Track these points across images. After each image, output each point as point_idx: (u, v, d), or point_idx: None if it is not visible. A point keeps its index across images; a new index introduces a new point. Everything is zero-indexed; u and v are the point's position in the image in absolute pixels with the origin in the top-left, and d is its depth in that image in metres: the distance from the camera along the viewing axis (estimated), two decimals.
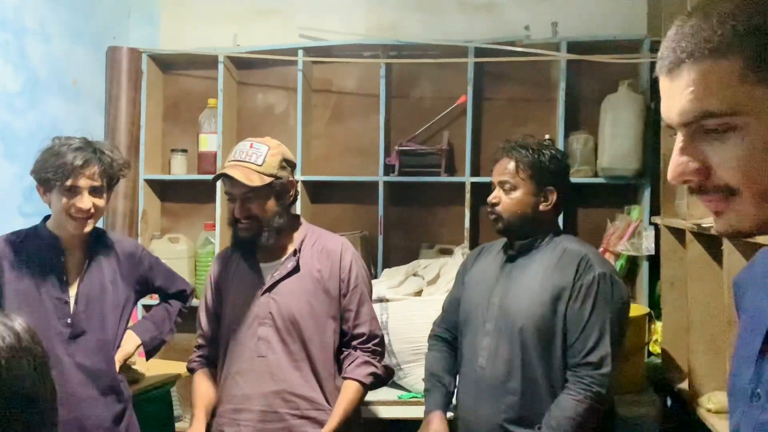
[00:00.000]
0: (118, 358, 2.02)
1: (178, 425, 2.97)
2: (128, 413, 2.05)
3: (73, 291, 1.93)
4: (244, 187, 1.82)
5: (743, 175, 0.70)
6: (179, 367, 2.86)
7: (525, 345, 1.79)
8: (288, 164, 1.92)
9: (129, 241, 2.19)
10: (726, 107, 0.69)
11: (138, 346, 2.10)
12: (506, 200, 1.90)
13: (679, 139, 0.75)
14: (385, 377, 1.99)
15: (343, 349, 1.95)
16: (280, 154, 1.89)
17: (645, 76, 3.10)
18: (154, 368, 2.74)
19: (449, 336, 2.07)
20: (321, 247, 1.94)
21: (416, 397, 2.52)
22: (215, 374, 1.95)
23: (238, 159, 1.86)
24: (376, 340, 1.96)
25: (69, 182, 1.84)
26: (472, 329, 1.92)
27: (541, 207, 1.91)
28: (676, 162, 0.74)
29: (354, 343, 1.93)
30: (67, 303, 1.91)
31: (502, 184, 1.92)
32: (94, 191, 1.89)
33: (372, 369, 1.90)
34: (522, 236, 1.93)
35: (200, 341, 2.03)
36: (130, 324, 2.18)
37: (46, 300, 1.89)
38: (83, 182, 1.85)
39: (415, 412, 2.20)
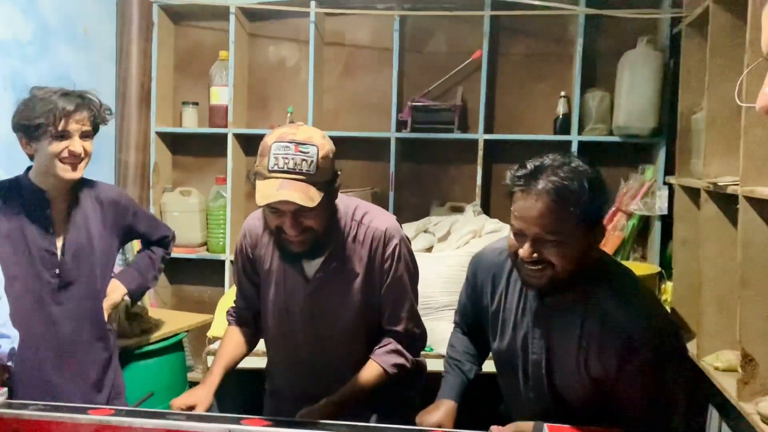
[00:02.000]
0: (106, 307, 2.05)
1: (189, 375, 3.03)
2: (114, 362, 2.08)
3: (59, 242, 1.93)
4: (300, 205, 1.51)
5: None
6: (191, 318, 2.91)
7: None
8: (334, 157, 1.61)
9: (111, 188, 2.15)
10: None
11: (124, 295, 2.12)
12: (553, 258, 1.41)
13: None
14: (415, 372, 1.80)
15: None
16: (330, 151, 1.57)
17: (665, 32, 3.03)
18: (166, 318, 2.78)
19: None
20: (363, 236, 1.69)
21: (425, 351, 2.53)
22: (247, 333, 1.84)
23: (284, 169, 1.50)
24: (411, 339, 1.76)
25: (60, 126, 1.82)
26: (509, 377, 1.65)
27: (593, 252, 1.47)
28: (763, 94, 0.75)
29: (389, 335, 1.75)
30: (54, 254, 1.92)
31: (540, 240, 1.40)
32: (84, 135, 1.88)
33: (400, 360, 1.72)
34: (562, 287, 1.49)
35: (239, 303, 1.88)
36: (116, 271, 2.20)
37: (33, 251, 1.90)
38: (74, 126, 1.84)
39: (432, 365, 2.14)
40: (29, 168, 1.96)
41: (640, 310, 1.45)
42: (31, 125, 1.83)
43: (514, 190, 1.43)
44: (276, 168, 1.50)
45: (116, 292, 2.09)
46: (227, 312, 1.89)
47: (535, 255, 1.41)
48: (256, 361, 1.99)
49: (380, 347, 1.72)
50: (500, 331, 1.64)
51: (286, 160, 1.50)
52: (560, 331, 1.50)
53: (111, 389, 2.04)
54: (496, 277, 1.66)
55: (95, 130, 1.94)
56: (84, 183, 2.01)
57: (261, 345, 1.88)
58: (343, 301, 1.70)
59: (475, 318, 1.76)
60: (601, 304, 1.45)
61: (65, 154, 1.85)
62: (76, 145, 1.85)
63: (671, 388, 1.48)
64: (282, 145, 1.51)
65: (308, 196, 1.49)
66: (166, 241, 2.25)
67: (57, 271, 1.92)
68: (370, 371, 1.69)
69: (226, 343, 1.81)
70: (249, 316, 1.84)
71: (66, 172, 1.88)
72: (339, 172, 1.62)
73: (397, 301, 1.72)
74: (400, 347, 1.72)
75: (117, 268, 2.22)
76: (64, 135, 1.84)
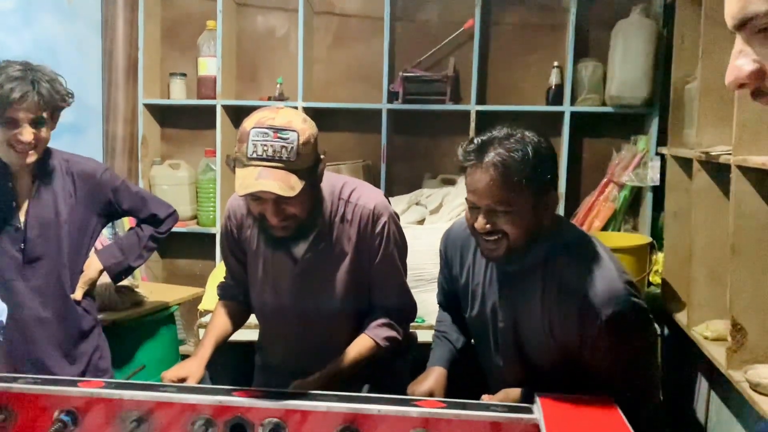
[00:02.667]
0: (81, 283, 2.02)
1: (181, 348, 3.03)
2: (93, 337, 2.05)
3: (23, 216, 1.90)
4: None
5: None
6: (182, 291, 2.90)
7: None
8: (317, 140, 1.55)
9: (89, 162, 2.07)
10: None
11: (101, 272, 2.08)
12: (506, 228, 1.46)
13: (736, 44, 0.73)
14: (405, 345, 1.80)
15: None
16: (311, 135, 1.51)
17: (658, 0, 3.00)
18: (158, 292, 2.77)
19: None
20: (351, 215, 1.66)
21: (417, 323, 2.54)
22: (237, 307, 1.83)
23: (263, 157, 1.46)
24: (402, 313, 1.76)
25: (7, 115, 1.77)
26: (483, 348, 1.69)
27: (545, 220, 1.50)
28: (731, 68, 0.73)
29: (379, 310, 1.74)
30: (18, 229, 1.89)
31: (492, 211, 1.45)
32: (35, 122, 1.81)
33: (392, 333, 1.71)
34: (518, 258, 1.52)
35: (228, 280, 1.87)
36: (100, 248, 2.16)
37: None
38: (21, 115, 1.78)
39: (422, 336, 2.16)
40: None
41: (595, 275, 1.46)
42: None
43: (465, 165, 1.48)
44: (255, 155, 1.45)
45: (90, 268, 2.06)
46: (217, 287, 1.89)
47: (488, 226, 1.46)
48: (249, 334, 1.99)
49: (371, 321, 1.72)
50: (470, 302, 1.68)
51: (265, 147, 1.46)
52: (523, 299, 1.54)
53: (87, 364, 2.01)
54: (464, 249, 1.70)
55: (53, 115, 1.87)
56: (55, 155, 1.96)
57: (253, 318, 1.87)
58: (332, 280, 1.69)
59: (452, 292, 1.78)
60: (558, 269, 1.49)
61: (13, 141, 1.80)
62: (25, 133, 1.79)
63: (636, 348, 1.51)
64: (261, 132, 1.46)
65: (288, 185, 1.45)
66: (157, 219, 2.16)
67: (21, 245, 1.89)
68: (362, 344, 1.69)
69: (217, 316, 1.80)
70: (239, 292, 1.83)
71: (17, 159, 1.84)
72: (323, 156, 1.57)
73: (387, 277, 1.72)
74: (391, 321, 1.72)
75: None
76: (10, 122, 1.79)
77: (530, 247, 1.50)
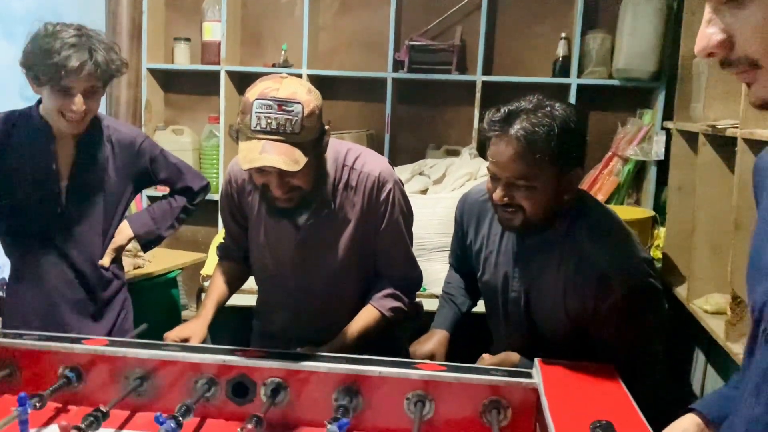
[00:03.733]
0: (109, 250, 2.00)
1: (183, 313, 3.06)
2: (120, 298, 2.05)
3: (64, 180, 1.88)
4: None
5: (761, 45, 0.68)
6: (185, 257, 2.92)
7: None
8: (322, 110, 1.52)
9: (129, 129, 2.04)
10: None
11: (130, 239, 2.06)
12: (524, 203, 1.44)
13: (705, 12, 0.72)
14: (412, 314, 1.80)
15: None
16: (316, 107, 1.47)
17: None
18: (160, 257, 2.78)
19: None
20: (356, 182, 1.64)
21: (419, 291, 2.55)
22: (237, 268, 1.83)
23: (267, 130, 1.43)
24: (408, 282, 1.75)
25: (62, 83, 1.70)
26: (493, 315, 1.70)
27: (566, 196, 1.47)
28: (700, 35, 0.73)
29: (385, 279, 1.73)
30: (57, 193, 1.87)
31: (511, 185, 1.44)
32: (89, 92, 1.75)
33: (398, 304, 1.70)
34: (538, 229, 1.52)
35: (227, 242, 1.85)
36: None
37: (36, 188, 1.85)
38: (76, 84, 1.71)
39: (427, 305, 2.16)
40: (40, 100, 1.86)
41: (616, 250, 1.47)
42: (34, 75, 1.73)
43: (489, 135, 1.45)
44: (258, 128, 1.42)
45: (121, 234, 2.03)
46: (217, 247, 1.89)
47: (506, 199, 1.45)
48: (249, 300, 1.99)
49: (377, 292, 1.71)
50: (482, 268, 1.68)
51: (269, 120, 1.42)
52: (539, 271, 1.53)
53: (113, 326, 2.01)
54: (480, 216, 1.69)
55: (105, 84, 1.82)
56: (98, 121, 1.92)
57: (252, 283, 1.87)
58: (335, 247, 1.67)
59: (464, 256, 1.78)
60: (577, 244, 1.48)
61: (65, 110, 1.75)
62: (78, 103, 1.73)
63: (646, 326, 1.51)
64: (264, 103, 1.42)
65: (292, 159, 1.42)
66: (190, 191, 2.12)
67: (59, 209, 1.88)
68: (368, 315, 1.68)
69: (218, 277, 1.80)
70: (238, 253, 1.82)
71: (66, 127, 1.80)
72: (327, 127, 1.54)
73: (392, 246, 1.70)
74: (397, 291, 1.71)
75: None
76: (65, 91, 1.73)
77: (549, 221, 1.49)
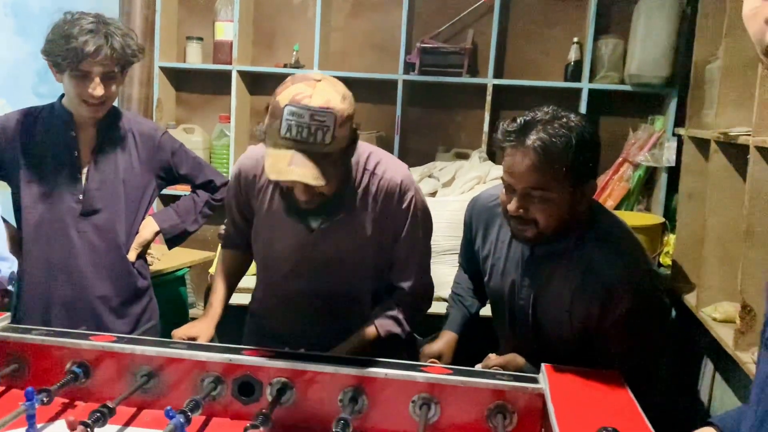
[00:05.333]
0: (135, 244, 2.01)
1: (191, 312, 3.07)
2: (145, 299, 2.06)
3: (85, 166, 1.92)
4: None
5: None
6: (195, 255, 2.92)
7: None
8: (354, 116, 1.47)
9: (149, 123, 2.07)
10: None
11: (156, 233, 2.08)
12: (538, 215, 1.44)
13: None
14: (405, 339, 1.74)
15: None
16: (349, 116, 1.41)
17: None
18: (169, 255, 2.78)
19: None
20: (376, 188, 1.60)
21: None
22: (240, 257, 1.83)
23: (297, 139, 1.37)
24: (416, 298, 1.71)
25: (80, 68, 1.77)
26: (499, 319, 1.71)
27: (580, 208, 1.47)
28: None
29: (395, 292, 1.70)
30: (79, 179, 1.90)
31: (527, 195, 1.43)
32: (107, 76, 1.81)
33: (396, 330, 1.67)
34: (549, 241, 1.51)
35: (230, 230, 1.84)
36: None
37: (59, 176, 1.89)
38: (95, 68, 1.77)
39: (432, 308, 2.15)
40: (62, 96, 1.92)
41: (624, 262, 1.47)
42: (54, 61, 1.80)
43: (504, 146, 1.44)
44: (288, 136, 1.36)
45: (146, 229, 2.04)
46: (218, 234, 1.90)
47: (521, 210, 1.44)
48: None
49: (383, 308, 1.68)
50: (489, 274, 1.68)
51: (300, 129, 1.36)
52: (547, 280, 1.53)
53: (136, 323, 2.01)
54: (489, 222, 1.69)
55: (123, 69, 1.87)
56: (120, 114, 1.97)
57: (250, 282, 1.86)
58: (349, 252, 1.64)
59: (473, 258, 1.78)
60: (586, 254, 1.48)
61: (85, 95, 1.81)
62: (96, 87, 1.79)
63: (648, 342, 1.53)
64: (296, 111, 1.36)
65: (321, 173, 1.38)
66: (213, 185, 2.13)
67: (80, 196, 1.90)
68: (368, 333, 1.66)
69: (222, 272, 1.81)
70: (241, 240, 1.82)
71: (87, 112, 1.86)
72: (358, 131, 1.49)
73: (409, 255, 1.67)
74: (400, 316, 1.67)
75: None
76: (84, 75, 1.79)
77: (561, 233, 1.48)
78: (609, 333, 1.48)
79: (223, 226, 1.87)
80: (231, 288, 1.79)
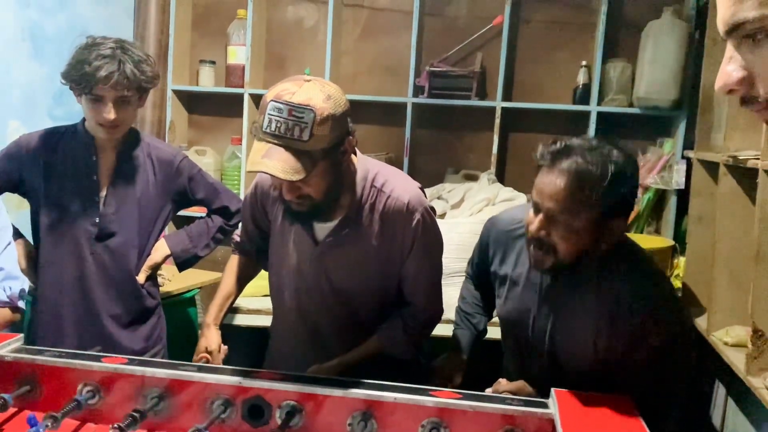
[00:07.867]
0: (145, 266, 2.04)
1: (200, 333, 3.07)
2: (153, 320, 2.08)
3: (103, 190, 1.95)
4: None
5: None
6: (205, 276, 2.93)
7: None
8: (342, 119, 1.44)
9: (168, 149, 2.10)
10: (758, 12, 0.66)
11: (167, 257, 2.10)
12: (559, 243, 1.41)
13: (726, 50, 0.73)
14: (410, 360, 1.76)
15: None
16: (331, 115, 1.41)
17: (691, 1, 2.96)
18: (179, 276, 2.78)
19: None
20: (383, 206, 1.59)
21: None
22: (248, 264, 1.86)
23: (275, 133, 1.39)
24: (423, 318, 1.71)
25: (94, 92, 1.82)
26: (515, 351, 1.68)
27: (604, 246, 1.44)
28: (721, 72, 0.73)
29: (403, 310, 1.69)
30: (96, 203, 1.93)
31: (552, 218, 1.40)
32: (121, 101, 1.84)
33: (398, 350, 1.69)
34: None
35: (243, 238, 1.86)
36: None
37: (77, 198, 1.92)
38: (107, 93, 1.82)
39: (436, 329, 2.15)
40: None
41: (658, 294, 1.46)
42: (70, 85, 1.85)
43: (541, 164, 1.42)
44: (268, 130, 1.39)
45: (157, 252, 2.06)
46: (231, 239, 1.92)
47: (542, 232, 1.41)
48: (268, 320, 2.00)
49: (388, 326, 1.68)
50: (504, 299, 1.66)
51: (278, 124, 1.38)
52: (570, 310, 1.51)
53: (144, 345, 2.03)
54: (508, 247, 1.66)
55: (140, 94, 1.90)
56: (140, 138, 2.01)
57: (269, 303, 1.88)
58: (354, 269, 1.64)
59: (484, 275, 1.78)
60: (615, 286, 1.45)
61: (99, 118, 1.85)
62: (109, 111, 1.83)
63: (676, 372, 1.51)
64: (277, 106, 1.38)
65: (293, 168, 1.38)
66: (228, 211, 2.14)
67: (97, 219, 1.93)
68: (370, 346, 1.68)
69: (229, 276, 1.85)
70: (251, 247, 1.85)
71: (103, 134, 1.90)
72: (350, 135, 1.49)
73: (417, 275, 1.66)
74: (405, 337, 1.68)
75: None
76: (97, 99, 1.83)
77: (582, 266, 1.46)
78: (635, 367, 1.45)
79: (236, 236, 1.91)
80: (238, 285, 1.84)
